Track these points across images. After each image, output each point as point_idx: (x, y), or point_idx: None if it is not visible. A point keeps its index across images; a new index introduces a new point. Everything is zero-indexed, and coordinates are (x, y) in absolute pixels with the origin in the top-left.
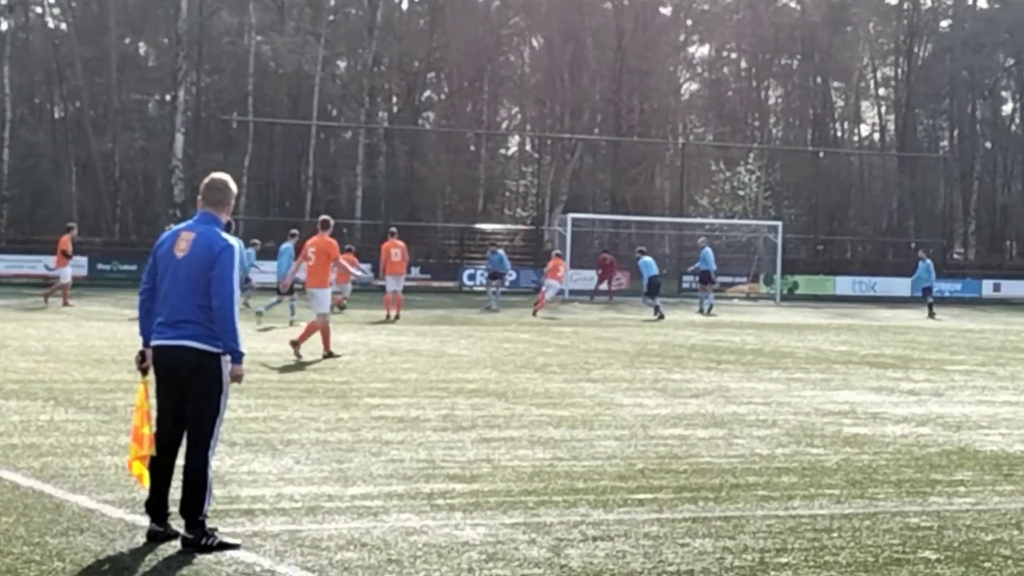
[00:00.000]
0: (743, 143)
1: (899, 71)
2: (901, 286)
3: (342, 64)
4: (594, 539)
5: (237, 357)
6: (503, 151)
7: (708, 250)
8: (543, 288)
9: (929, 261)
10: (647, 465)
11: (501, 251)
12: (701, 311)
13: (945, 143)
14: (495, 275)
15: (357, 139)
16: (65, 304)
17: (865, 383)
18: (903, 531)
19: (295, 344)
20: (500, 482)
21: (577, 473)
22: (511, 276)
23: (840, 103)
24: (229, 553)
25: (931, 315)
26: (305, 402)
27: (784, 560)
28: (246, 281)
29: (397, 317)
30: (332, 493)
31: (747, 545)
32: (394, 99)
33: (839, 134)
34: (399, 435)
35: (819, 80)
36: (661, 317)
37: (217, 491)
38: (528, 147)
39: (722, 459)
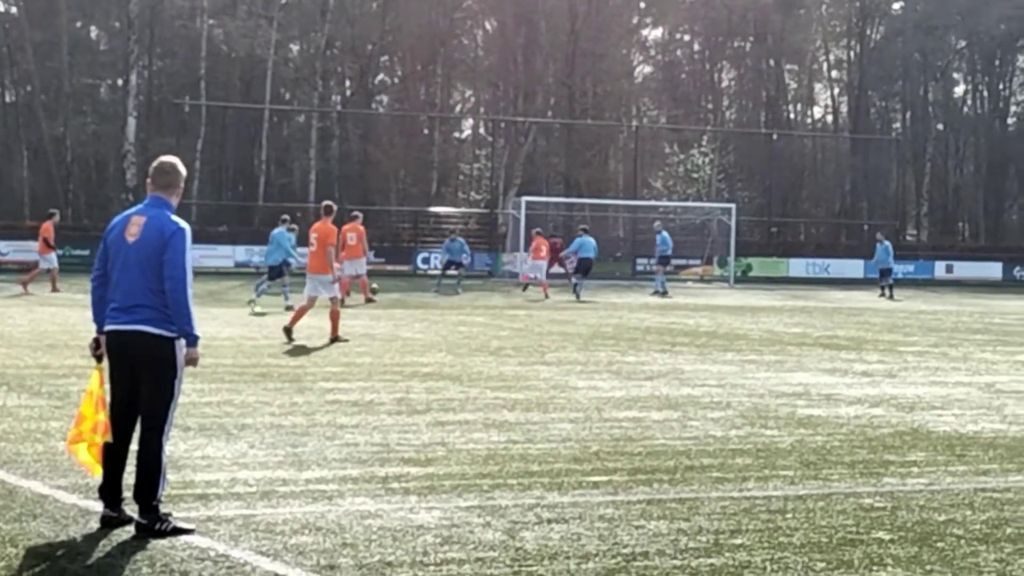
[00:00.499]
0: (696, 126)
1: (851, 53)
2: (854, 268)
3: (295, 47)
4: (549, 522)
5: (192, 340)
6: (457, 134)
7: (666, 233)
8: (534, 275)
9: (887, 243)
10: (602, 448)
11: (461, 238)
12: (660, 293)
13: (898, 125)
14: (453, 263)
15: (310, 123)
16: (24, 287)
17: (819, 365)
18: (857, 512)
19: (335, 339)
20: (455, 465)
21: (532, 456)
22: (466, 259)
23: (793, 85)
24: (183, 538)
25: (890, 296)
26: (259, 386)
27: (739, 541)
28: (286, 265)
29: (369, 300)
30: (287, 477)
31: (702, 527)
32: (347, 82)
33: (792, 116)
34: (354, 419)
35: (772, 62)
36: (577, 297)
37: (171, 476)
38: (482, 130)
39: (676, 441)
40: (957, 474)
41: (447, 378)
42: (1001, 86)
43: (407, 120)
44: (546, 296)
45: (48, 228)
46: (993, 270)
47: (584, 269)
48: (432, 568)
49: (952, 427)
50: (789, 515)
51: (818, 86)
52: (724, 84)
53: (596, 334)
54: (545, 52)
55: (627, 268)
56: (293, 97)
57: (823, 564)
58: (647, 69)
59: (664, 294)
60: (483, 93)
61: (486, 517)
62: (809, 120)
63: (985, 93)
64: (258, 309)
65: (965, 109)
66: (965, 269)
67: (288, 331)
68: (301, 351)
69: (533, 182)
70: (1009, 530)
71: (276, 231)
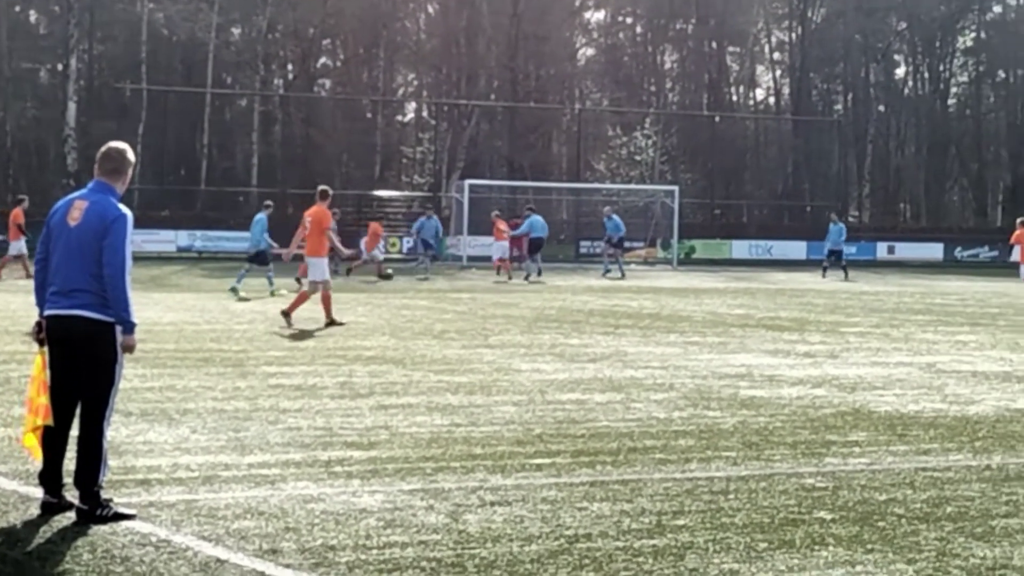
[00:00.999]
0: (639, 108)
1: (793, 35)
2: (797, 249)
3: (236, 31)
4: (492, 504)
5: (128, 328)
6: (400, 118)
7: (617, 217)
8: (500, 255)
9: (841, 224)
10: (545, 430)
11: (436, 217)
12: (606, 272)
13: (839, 107)
14: (426, 243)
15: (252, 107)
16: (27, 276)
17: (761, 346)
18: (799, 492)
19: (286, 314)
20: (398, 449)
21: (475, 439)
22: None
23: (735, 68)
24: (124, 523)
25: (845, 277)
26: (201, 371)
27: (681, 522)
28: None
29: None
30: (229, 462)
31: (644, 508)
32: (289, 66)
33: (734, 99)
34: (296, 403)
35: (714, 45)
36: (527, 277)
37: (112, 461)
38: (425, 114)
39: (620, 423)
40: (898, 454)
41: (390, 361)
42: (941, 67)
43: (350, 104)
44: (509, 276)
45: (18, 214)
46: (934, 251)
47: (535, 249)
48: (375, 551)
49: (893, 407)
50: (731, 496)
51: (760, 68)
52: (667, 66)
53: (540, 317)
54: (487, 35)
55: (571, 251)
56: (235, 81)
57: (765, 544)
58: (590, 52)
59: (607, 273)
60: (426, 76)
61: (429, 500)
62: (751, 102)
63: (926, 74)
64: (242, 295)
65: (906, 90)
66: (907, 250)
67: (331, 323)
68: (243, 336)
69: (476, 165)
70: (949, 509)
71: (258, 216)
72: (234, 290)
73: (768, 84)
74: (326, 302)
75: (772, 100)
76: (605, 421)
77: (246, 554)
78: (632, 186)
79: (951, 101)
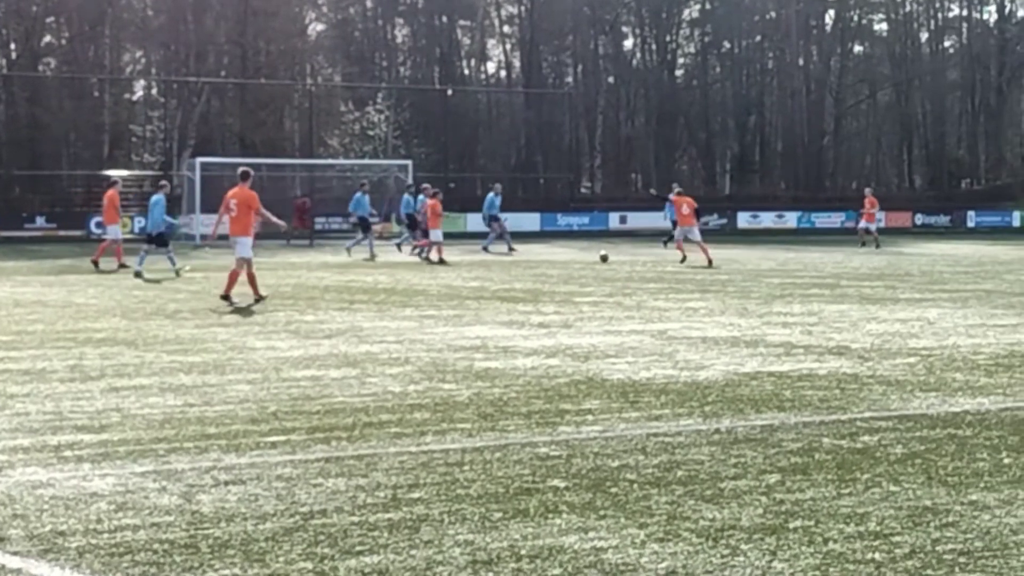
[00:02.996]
0: (371, 83)
1: (522, 8)
2: (531, 221)
3: None
4: (226, 483)
5: None
6: (128, 96)
7: (493, 195)
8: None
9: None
10: (280, 407)
11: (360, 193)
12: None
13: (570, 79)
14: (362, 219)
15: None
16: None
17: (496, 318)
18: (533, 461)
19: (225, 297)
20: (130, 431)
21: (209, 418)
22: (374, 220)
23: (466, 41)
24: None
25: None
26: None
27: (416, 495)
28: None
29: (122, 266)
30: None
31: (380, 482)
32: (12, 45)
33: (466, 72)
34: (24, 388)
35: (445, 19)
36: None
37: None
38: (154, 91)
39: (355, 398)
40: (630, 420)
41: (122, 343)
42: (668, 38)
43: (76, 83)
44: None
45: None
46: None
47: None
48: (106, 535)
49: (626, 375)
50: (467, 467)
51: (491, 41)
52: (398, 41)
53: (274, 294)
54: (216, 11)
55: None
56: None
57: (500, 514)
58: (320, 27)
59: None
60: (154, 54)
61: (162, 482)
62: (483, 76)
63: (653, 46)
64: (146, 275)
65: (634, 62)
66: (638, 219)
67: (259, 299)
68: None
69: (208, 143)
70: (680, 473)
71: (155, 197)
72: (138, 274)
73: (499, 57)
74: (252, 280)
75: (504, 73)
76: (340, 397)
77: None
78: (366, 161)
79: (679, 72)
